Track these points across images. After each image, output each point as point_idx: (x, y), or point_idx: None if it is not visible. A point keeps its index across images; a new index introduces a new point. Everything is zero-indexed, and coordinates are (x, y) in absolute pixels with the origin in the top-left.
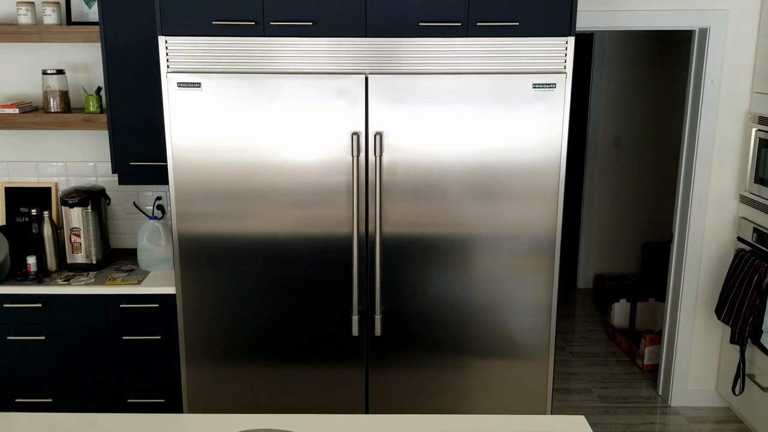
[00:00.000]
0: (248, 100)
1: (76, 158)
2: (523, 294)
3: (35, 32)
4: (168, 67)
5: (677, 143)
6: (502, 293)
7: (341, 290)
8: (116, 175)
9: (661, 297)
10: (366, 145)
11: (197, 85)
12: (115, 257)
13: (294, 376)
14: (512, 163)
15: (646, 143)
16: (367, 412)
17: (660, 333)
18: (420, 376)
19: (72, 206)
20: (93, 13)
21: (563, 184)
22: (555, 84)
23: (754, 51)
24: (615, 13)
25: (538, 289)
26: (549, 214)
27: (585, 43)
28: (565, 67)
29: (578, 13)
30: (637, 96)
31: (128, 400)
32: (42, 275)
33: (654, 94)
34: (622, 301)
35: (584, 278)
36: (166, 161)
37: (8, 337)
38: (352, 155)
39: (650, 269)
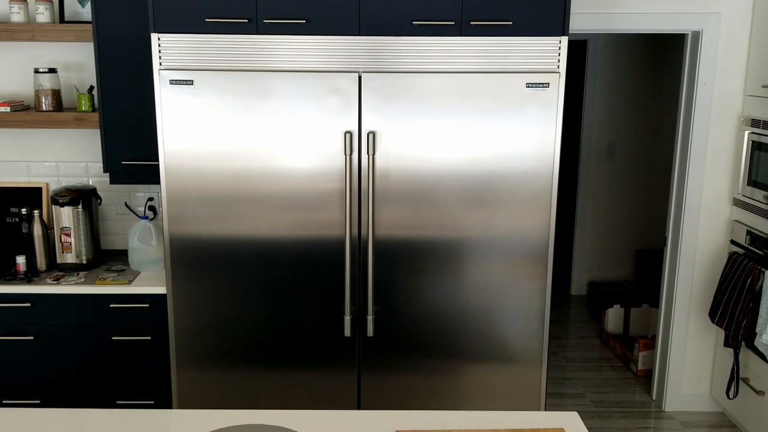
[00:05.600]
0: (241, 98)
1: (67, 158)
2: (516, 299)
3: (28, 30)
4: (160, 64)
5: (671, 150)
6: (495, 298)
7: (333, 292)
8: (108, 175)
9: (655, 303)
10: (359, 144)
11: (190, 82)
12: (106, 258)
13: (286, 377)
14: (506, 164)
15: (639, 150)
16: None
17: (653, 338)
18: (412, 380)
19: (62, 205)
20: (86, 12)
21: (556, 185)
22: (548, 83)
23: (746, 54)
24: (608, 15)
25: (531, 295)
26: (542, 219)
27: (579, 50)
28: (558, 67)
29: (572, 16)
30: (631, 102)
31: (117, 402)
32: (31, 275)
33: (647, 100)
34: (616, 306)
35: (578, 285)
36: (158, 161)
37: None
38: (345, 154)
39: (644, 276)
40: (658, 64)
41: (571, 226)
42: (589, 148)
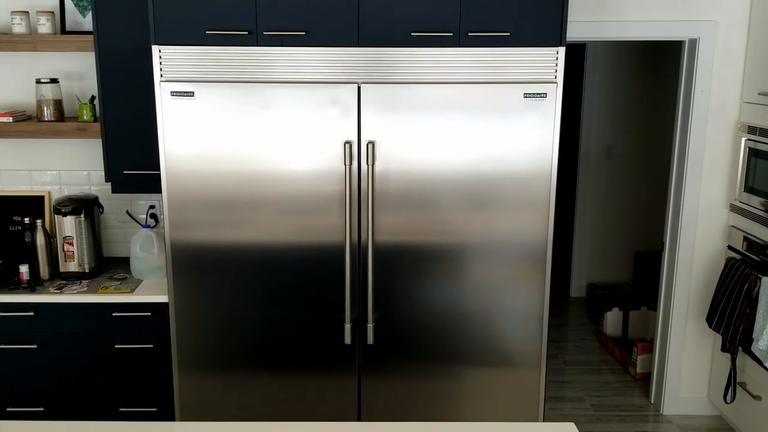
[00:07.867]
0: (241, 109)
1: (69, 167)
2: (515, 302)
3: (29, 41)
4: (161, 75)
5: (669, 152)
6: (494, 302)
7: (334, 299)
8: (110, 183)
9: (654, 306)
10: (359, 154)
11: (190, 94)
12: (108, 266)
13: (286, 384)
14: (504, 172)
15: (638, 152)
16: (359, 421)
17: (652, 341)
18: (412, 385)
19: (65, 215)
20: (87, 23)
21: (554, 193)
22: (546, 93)
23: (743, 61)
24: (605, 23)
25: (530, 298)
26: (541, 223)
27: (577, 53)
28: (555, 77)
29: (569, 24)
30: (629, 105)
31: (120, 409)
32: (34, 284)
33: (646, 103)
34: (615, 309)
35: (577, 287)
36: (159, 170)
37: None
38: (345, 164)
39: (642, 278)
40: (656, 67)
41: (570, 229)
42: (587, 150)
